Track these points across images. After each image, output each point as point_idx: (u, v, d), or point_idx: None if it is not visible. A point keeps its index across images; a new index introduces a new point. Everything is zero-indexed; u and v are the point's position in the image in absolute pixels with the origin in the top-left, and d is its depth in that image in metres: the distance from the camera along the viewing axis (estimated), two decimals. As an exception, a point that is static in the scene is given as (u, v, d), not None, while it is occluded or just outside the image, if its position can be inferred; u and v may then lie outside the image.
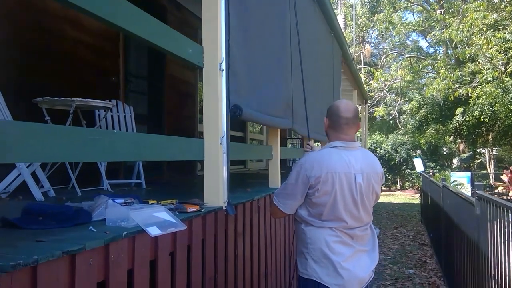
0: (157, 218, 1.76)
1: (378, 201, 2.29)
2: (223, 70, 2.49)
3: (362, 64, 24.41)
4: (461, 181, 11.78)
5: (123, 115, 4.14)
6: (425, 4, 21.67)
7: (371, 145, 19.54)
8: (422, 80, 21.30)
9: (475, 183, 3.18)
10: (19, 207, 1.83)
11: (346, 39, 21.45)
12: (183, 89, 5.67)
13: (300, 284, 2.07)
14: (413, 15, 24.71)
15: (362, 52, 25.42)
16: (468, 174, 12.77)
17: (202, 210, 2.17)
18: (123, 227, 1.66)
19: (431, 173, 13.77)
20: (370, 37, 29.04)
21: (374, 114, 21.82)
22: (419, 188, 15.18)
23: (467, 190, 10.94)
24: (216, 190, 2.41)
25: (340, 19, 25.42)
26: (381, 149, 19.52)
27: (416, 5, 21.85)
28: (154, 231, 1.64)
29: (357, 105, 13.72)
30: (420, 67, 18.49)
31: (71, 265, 1.31)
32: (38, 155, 1.35)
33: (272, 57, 3.59)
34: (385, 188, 20.67)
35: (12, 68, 3.45)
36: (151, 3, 5.22)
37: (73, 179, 3.25)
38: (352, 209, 2.00)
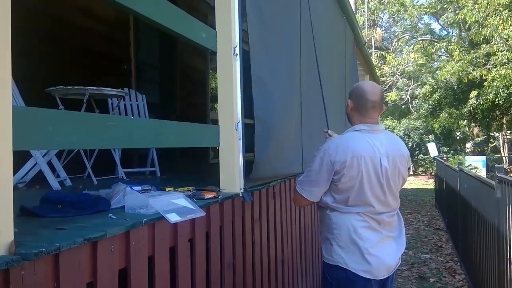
0: (175, 205, 1.74)
1: None
2: (237, 54, 2.45)
3: (373, 48, 24.08)
4: (476, 165, 11.63)
5: (136, 103, 4.13)
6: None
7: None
8: (435, 63, 20.94)
9: (496, 166, 3.10)
10: (36, 196, 1.83)
11: (365, 22, 21.11)
12: (194, 76, 5.64)
13: (325, 270, 2.03)
14: (425, -3, 24.21)
15: (373, 36, 25.06)
16: (483, 158, 12.60)
17: (220, 197, 2.15)
18: (142, 214, 1.64)
19: (444, 158, 13.64)
20: (381, 20, 28.61)
21: (386, 99, 21.57)
22: (433, 173, 15.04)
23: (482, 174, 10.81)
24: (232, 177, 2.39)
25: (351, 2, 25.06)
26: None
27: (428, -13, 21.37)
28: (173, 217, 1.62)
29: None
30: (434, 50, 18.13)
31: (93, 252, 1.30)
32: (56, 142, 1.33)
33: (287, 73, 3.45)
34: (397, 174, 20.50)
35: (25, 57, 3.43)
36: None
37: (88, 167, 3.26)
38: (379, 193, 1.95)
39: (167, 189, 2.21)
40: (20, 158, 2.80)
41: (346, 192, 1.94)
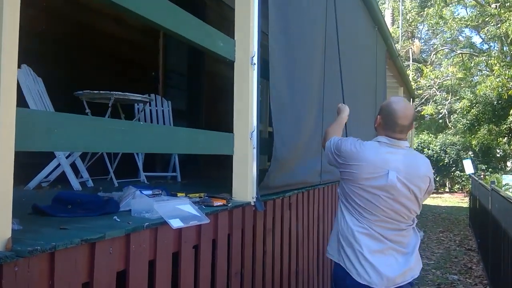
0: (181, 211, 1.76)
1: (425, 202, 2.20)
2: (254, 64, 2.46)
3: (411, 60, 23.58)
4: (513, 184, 11.10)
5: (161, 109, 4.22)
6: (480, -2, 20.54)
7: (418, 145, 18.84)
8: (475, 77, 20.25)
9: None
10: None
11: (394, 35, 20.79)
12: (221, 84, 5.67)
13: (332, 266, 2.16)
14: (465, 9, 23.53)
15: (411, 48, 24.55)
16: (522, 177, 12.01)
17: (229, 205, 2.15)
18: (147, 218, 1.67)
19: (482, 176, 13.09)
20: (419, 32, 27.98)
21: (422, 113, 21.01)
22: (469, 191, 14.48)
23: (520, 194, 10.30)
24: (244, 186, 2.39)
25: (387, 13, 24.70)
26: (429, 149, 18.78)
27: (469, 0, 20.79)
28: (176, 223, 1.64)
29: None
30: (472, 64, 17.54)
31: (91, 253, 1.33)
32: (59, 144, 1.37)
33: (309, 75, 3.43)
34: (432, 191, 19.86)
35: (57, 63, 3.59)
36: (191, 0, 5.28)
37: (111, 170, 3.34)
38: (381, 206, 1.94)
39: (179, 194, 2.24)
40: (44, 158, 2.92)
41: (348, 191, 2.03)
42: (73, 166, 3.09)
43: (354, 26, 5.07)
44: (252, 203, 2.41)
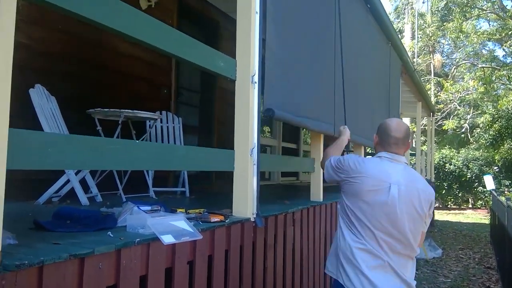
0: (174, 227, 1.80)
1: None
2: (255, 82, 2.51)
3: (432, 74, 23.33)
4: (537, 201, 10.74)
5: (172, 125, 4.31)
6: (501, 12, 20.27)
7: (440, 160, 18.49)
8: (497, 91, 19.85)
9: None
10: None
11: (412, 50, 20.59)
12: (233, 100, 5.79)
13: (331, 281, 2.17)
14: (488, 23, 23.24)
15: (432, 62, 24.32)
16: (547, 194, 11.64)
17: (227, 221, 2.19)
18: (141, 233, 1.72)
19: (505, 191, 12.73)
20: (441, 46, 27.68)
21: (444, 127, 20.67)
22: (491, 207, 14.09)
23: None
24: (244, 202, 2.43)
25: (407, 28, 24.60)
26: (451, 164, 18.42)
27: (490, 13, 20.51)
28: (167, 239, 1.68)
29: (423, 118, 13.10)
30: (494, 78, 17.23)
31: (80, 268, 1.38)
32: (55, 163, 1.44)
33: (314, 62, 3.58)
34: (454, 206, 19.44)
35: (71, 81, 3.74)
36: (205, 18, 5.42)
37: (119, 186, 3.43)
38: (382, 221, 1.94)
39: (178, 210, 2.28)
40: (57, 174, 3.03)
41: (349, 206, 2.04)
42: (84, 181, 3.20)
43: (363, 41, 5.09)
44: (252, 219, 2.43)
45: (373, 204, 1.95)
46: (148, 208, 2.10)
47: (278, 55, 2.89)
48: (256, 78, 2.52)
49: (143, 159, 1.79)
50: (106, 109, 3.38)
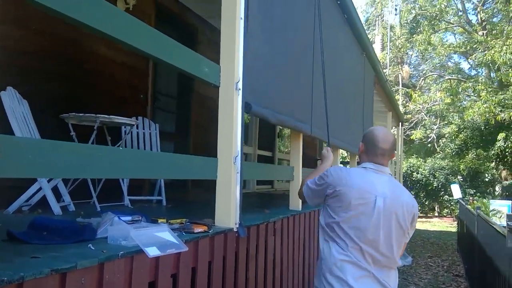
0: (159, 238, 1.73)
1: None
2: (239, 89, 2.47)
3: (400, 85, 23.95)
4: (500, 209, 11.13)
5: (148, 132, 4.20)
6: (467, 25, 21.11)
7: (407, 169, 18.93)
8: (463, 103, 20.59)
9: (507, 213, 2.96)
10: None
11: (383, 60, 21.11)
12: (211, 106, 5.70)
13: None
14: (454, 36, 24.11)
15: (400, 73, 24.97)
16: (509, 202, 12.06)
17: (210, 231, 2.13)
18: (123, 245, 1.64)
19: (470, 200, 13.14)
20: (409, 58, 28.51)
21: (411, 137, 21.21)
22: (458, 216, 14.51)
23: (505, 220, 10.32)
24: (227, 211, 2.37)
25: (377, 39, 25.21)
26: (418, 173, 18.88)
27: (457, 27, 21.31)
28: (152, 251, 1.61)
29: (392, 127, 13.39)
30: (460, 89, 17.88)
31: (61, 283, 1.30)
32: (37, 170, 1.35)
33: (293, 64, 3.62)
34: (421, 215, 19.88)
35: (44, 84, 3.58)
36: (183, 24, 5.35)
37: (93, 195, 3.30)
38: (367, 231, 1.92)
39: (159, 220, 2.21)
40: (25, 181, 2.88)
41: (334, 218, 1.98)
42: (56, 189, 3.05)
43: (340, 50, 5.15)
44: (235, 229, 2.38)
45: (359, 216, 1.93)
46: (129, 218, 2.02)
47: (257, 50, 2.86)
48: (240, 85, 2.48)
49: (129, 167, 1.71)
50: (81, 114, 3.25)
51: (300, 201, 3.72)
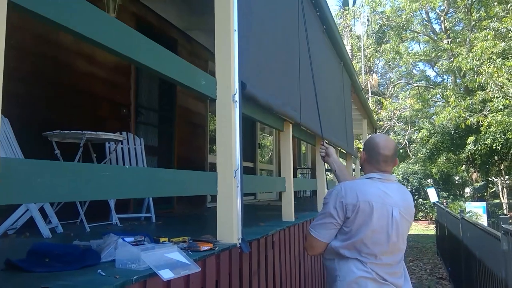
0: (169, 259, 1.65)
1: None
2: (236, 101, 2.43)
3: (370, 93, 24.48)
4: (476, 211, 11.47)
5: (134, 147, 4.09)
6: (432, 34, 21.85)
7: (382, 175, 19.25)
8: (431, 108, 21.22)
9: (500, 216, 3.04)
10: (25, 245, 1.74)
11: (361, 69, 21.59)
12: (193, 120, 5.66)
13: None
14: (419, 45, 24.90)
15: (369, 81, 25.56)
16: (484, 204, 12.46)
17: (216, 249, 2.05)
18: (134, 269, 1.55)
19: (444, 203, 13.48)
20: (377, 67, 29.25)
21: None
22: (433, 219, 14.83)
23: (483, 221, 10.63)
24: (230, 227, 2.30)
25: (347, 49, 25.75)
26: (392, 178, 19.23)
27: (422, 36, 22.03)
28: (166, 274, 1.53)
29: (367, 134, 13.65)
30: (430, 96, 18.45)
31: (78, 315, 1.20)
32: (44, 195, 1.26)
33: (282, 56, 3.63)
34: (397, 219, 20.19)
35: (24, 101, 3.43)
36: (163, 36, 5.27)
37: (81, 214, 3.16)
38: (386, 244, 1.89)
39: (162, 240, 2.11)
40: (11, 204, 2.72)
41: (352, 237, 1.90)
42: (42, 210, 2.90)
43: (323, 60, 5.21)
44: (238, 245, 2.32)
45: (378, 230, 1.88)
46: (132, 239, 1.92)
47: (249, 33, 2.83)
48: (237, 97, 2.44)
49: (133, 186, 1.63)
50: (66, 131, 3.13)
51: (293, 212, 3.69)
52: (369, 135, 2.29)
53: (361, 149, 2.34)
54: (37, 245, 1.71)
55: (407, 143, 22.04)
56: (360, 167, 2.29)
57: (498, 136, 14.17)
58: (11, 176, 1.13)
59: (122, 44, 1.67)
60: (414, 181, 19.03)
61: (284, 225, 3.34)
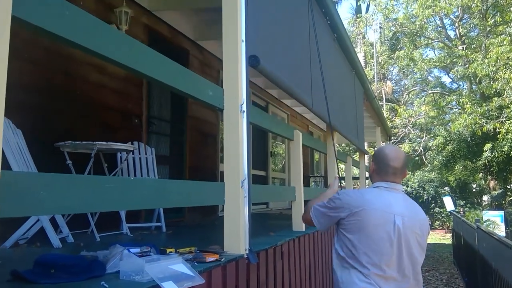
0: (173, 271, 1.65)
1: None
2: (244, 111, 2.43)
3: (384, 100, 24.30)
4: (494, 220, 11.22)
5: (145, 157, 4.12)
6: (446, 40, 21.63)
7: (397, 183, 18.99)
8: (447, 115, 20.94)
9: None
10: (35, 255, 1.76)
11: (374, 76, 21.55)
12: (204, 129, 5.69)
13: None
14: (434, 51, 24.66)
15: (384, 89, 25.38)
16: (501, 212, 12.17)
17: (222, 260, 2.05)
18: (137, 281, 1.55)
19: (461, 212, 13.22)
20: (391, 74, 29.03)
21: (399, 151, 21.38)
22: (450, 228, 14.56)
23: (501, 230, 10.40)
24: (237, 237, 2.29)
25: (360, 57, 25.65)
26: (407, 186, 18.98)
27: (437, 42, 21.82)
28: (169, 286, 1.52)
29: (381, 142, 13.56)
30: (445, 103, 18.22)
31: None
32: (48, 208, 1.27)
33: (294, 45, 3.63)
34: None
35: (38, 112, 3.49)
36: (175, 47, 5.33)
37: (92, 224, 3.19)
38: (389, 254, 1.85)
39: (168, 250, 2.12)
40: (22, 214, 2.76)
41: (353, 244, 1.90)
42: (53, 220, 2.94)
43: (332, 67, 5.20)
44: (245, 256, 2.30)
45: (380, 239, 1.85)
46: (137, 250, 1.93)
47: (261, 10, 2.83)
48: (244, 107, 2.44)
49: (138, 197, 1.64)
50: (77, 142, 3.17)
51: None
52: (378, 147, 2.28)
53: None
54: (43, 256, 1.73)
55: (422, 150, 21.75)
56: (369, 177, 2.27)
57: (515, 143, 13.89)
58: (15, 189, 1.14)
59: (128, 58, 1.69)
60: (430, 189, 18.73)
61: (294, 235, 3.31)
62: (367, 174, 9.09)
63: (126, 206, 1.72)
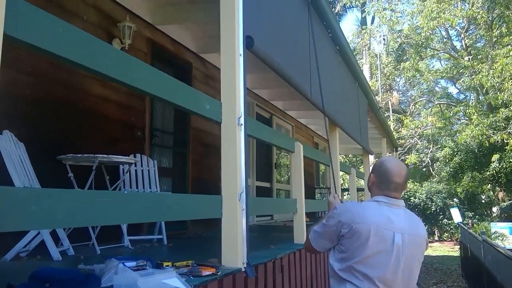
0: (167, 286, 1.65)
1: None
2: (241, 124, 2.45)
3: (391, 111, 24.22)
4: (502, 232, 11.04)
5: (147, 169, 4.14)
6: (452, 51, 21.60)
7: (404, 194, 18.86)
8: (454, 126, 20.81)
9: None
10: (34, 268, 1.77)
11: (373, 88, 21.53)
12: (207, 140, 5.71)
13: None
14: (440, 62, 24.62)
15: (390, 99, 25.32)
16: (510, 224, 11.99)
17: (218, 274, 2.05)
18: (130, 295, 1.56)
19: (469, 223, 13.04)
20: (397, 85, 28.99)
21: (406, 162, 21.25)
22: (458, 240, 14.38)
23: (509, 242, 10.23)
24: (234, 251, 2.29)
25: (365, 68, 25.69)
26: (415, 197, 18.80)
27: (443, 53, 21.80)
28: (162, 300, 1.52)
29: (387, 153, 13.50)
30: (451, 114, 18.12)
31: None
32: (41, 222, 1.29)
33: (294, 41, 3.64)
34: (421, 239, 19.59)
35: (41, 125, 3.53)
36: (178, 60, 5.39)
37: (93, 237, 3.20)
38: (386, 271, 1.82)
39: (165, 264, 2.12)
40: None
41: (349, 259, 1.85)
42: (54, 233, 2.95)
43: (335, 80, 5.22)
44: (243, 269, 2.30)
45: (377, 255, 1.81)
46: (133, 264, 1.93)
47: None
48: (242, 120, 2.46)
49: (136, 211, 1.65)
50: (79, 155, 3.20)
51: (305, 234, 3.64)
52: (379, 159, 2.22)
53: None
54: (39, 270, 1.74)
55: (430, 161, 21.58)
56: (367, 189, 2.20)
57: (524, 154, 13.76)
58: (7, 204, 1.16)
59: (121, 72, 1.72)
60: (438, 200, 18.53)
61: (295, 247, 3.30)
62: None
63: (121, 220, 1.74)
